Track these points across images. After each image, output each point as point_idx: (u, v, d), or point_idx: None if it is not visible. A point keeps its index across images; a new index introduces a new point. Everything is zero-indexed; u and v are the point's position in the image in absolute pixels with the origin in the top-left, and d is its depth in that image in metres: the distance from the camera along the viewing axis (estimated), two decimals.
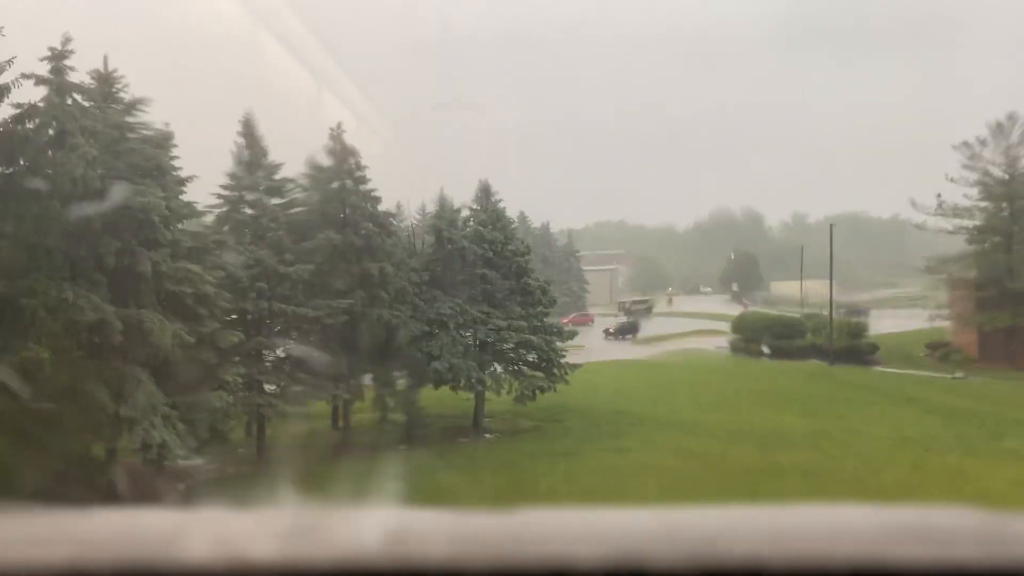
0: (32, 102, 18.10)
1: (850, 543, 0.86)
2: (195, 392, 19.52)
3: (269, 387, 23.32)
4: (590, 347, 38.95)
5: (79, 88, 19.24)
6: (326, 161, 25.90)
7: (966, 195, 38.84)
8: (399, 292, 25.03)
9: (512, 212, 32.03)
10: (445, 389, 25.69)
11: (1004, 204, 38.28)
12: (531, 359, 26.56)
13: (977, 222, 38.75)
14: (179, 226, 20.31)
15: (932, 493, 17.74)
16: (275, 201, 24.52)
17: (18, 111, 17.88)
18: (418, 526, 0.92)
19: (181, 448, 18.58)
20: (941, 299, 41.99)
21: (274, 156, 24.55)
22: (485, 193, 28.00)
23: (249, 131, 24.21)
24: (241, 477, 21.54)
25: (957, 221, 38.95)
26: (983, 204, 38.81)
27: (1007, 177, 38.15)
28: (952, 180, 38.38)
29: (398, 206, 31.25)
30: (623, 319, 54.70)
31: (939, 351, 39.37)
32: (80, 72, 19.32)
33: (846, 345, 39.02)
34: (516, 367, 26.50)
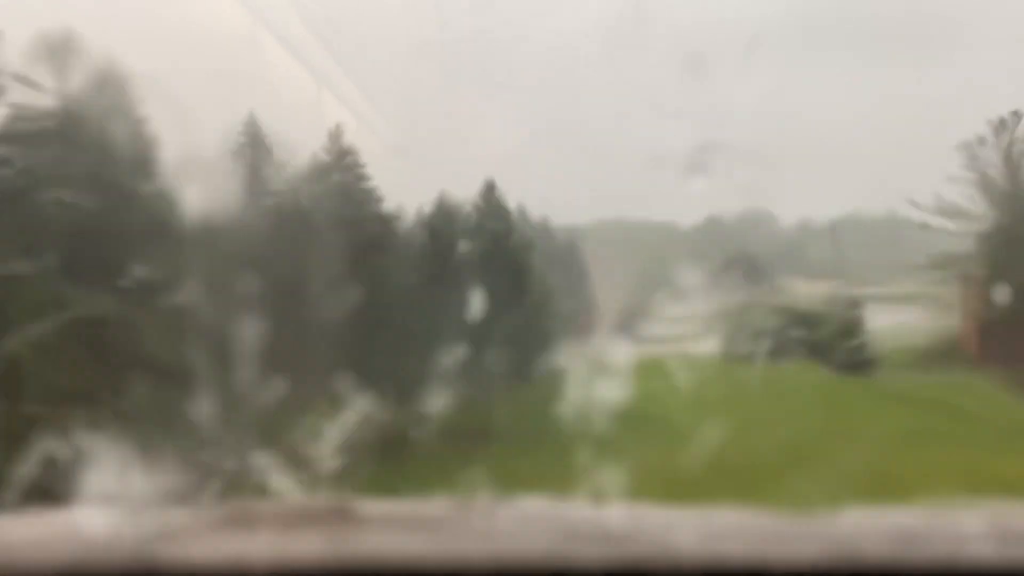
0: (32, 102, 18.12)
1: (854, 544, 0.86)
2: (191, 391, 19.52)
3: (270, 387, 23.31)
4: (591, 347, 38.87)
5: (79, 87, 19.25)
6: (327, 160, 25.96)
7: (966, 194, 38.85)
8: (399, 292, 25.06)
9: (512, 210, 32.02)
10: (443, 389, 25.69)
11: (1004, 204, 38.26)
12: (530, 358, 26.59)
13: (976, 222, 38.73)
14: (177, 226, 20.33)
15: (942, 492, 17.71)
16: (280, 200, 24.58)
17: (17, 110, 17.90)
18: (418, 525, 0.92)
19: (181, 447, 18.57)
20: (940, 297, 41.99)
21: (274, 156, 24.60)
22: (490, 190, 28.04)
23: (250, 130, 24.24)
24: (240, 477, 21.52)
25: (958, 220, 38.93)
26: (983, 203, 38.79)
27: (1006, 178, 38.13)
28: (953, 180, 38.37)
29: (398, 206, 31.25)
30: (623, 322, 54.66)
31: (940, 351, 39.36)
32: (80, 70, 19.33)
33: (843, 344, 39.01)
34: (515, 367, 26.51)
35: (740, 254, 79.75)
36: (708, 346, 44.03)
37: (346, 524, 0.94)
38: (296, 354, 24.04)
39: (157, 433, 17.92)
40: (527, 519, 0.93)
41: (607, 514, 0.92)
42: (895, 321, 45.01)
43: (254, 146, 24.14)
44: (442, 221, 27.34)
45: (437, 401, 26.07)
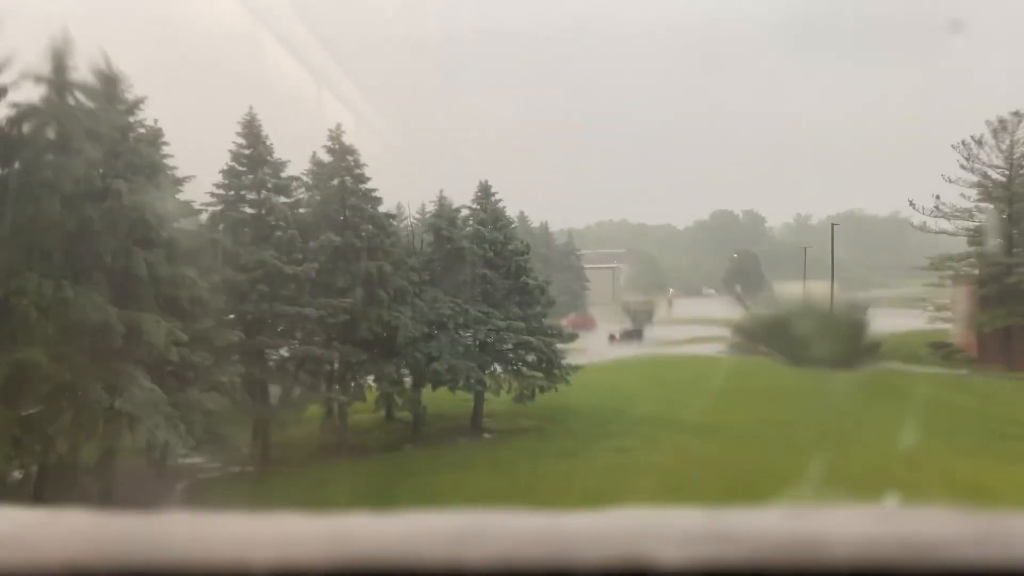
0: (32, 102, 18.11)
1: (850, 544, 0.86)
2: (192, 392, 19.52)
3: (271, 388, 23.36)
4: (593, 351, 38.90)
5: (80, 87, 19.23)
6: (327, 160, 25.97)
7: (964, 195, 38.84)
8: (399, 292, 25.04)
9: (512, 211, 32.08)
10: (443, 389, 25.71)
11: (1003, 206, 38.27)
12: (530, 360, 26.59)
13: (976, 223, 38.77)
14: (175, 225, 20.28)
15: (935, 494, 17.73)
16: (282, 200, 24.59)
17: (17, 111, 17.89)
18: (418, 526, 0.92)
19: (183, 447, 18.62)
20: (941, 298, 42.02)
21: (275, 155, 24.63)
22: (485, 192, 28.06)
23: (250, 130, 24.24)
24: (243, 477, 21.57)
25: (957, 222, 38.97)
26: (982, 204, 38.82)
27: (1005, 178, 38.14)
28: (951, 181, 38.39)
29: (399, 206, 31.29)
30: (627, 325, 54.83)
31: (941, 351, 39.42)
32: (80, 71, 19.33)
33: (846, 345, 39.03)
34: (515, 367, 26.53)
35: (744, 254, 79.66)
36: (711, 348, 44.13)
37: (347, 525, 0.93)
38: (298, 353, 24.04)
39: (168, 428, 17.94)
40: (526, 519, 0.93)
41: (606, 514, 0.92)
42: (896, 321, 45.06)
43: (254, 145, 24.14)
44: (442, 222, 27.36)
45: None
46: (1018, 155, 37.87)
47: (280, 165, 24.54)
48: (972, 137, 38.00)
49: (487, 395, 26.09)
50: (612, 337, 50.43)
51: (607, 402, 28.70)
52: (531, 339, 26.14)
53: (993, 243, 38.55)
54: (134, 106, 20.25)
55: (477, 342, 26.28)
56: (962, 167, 38.38)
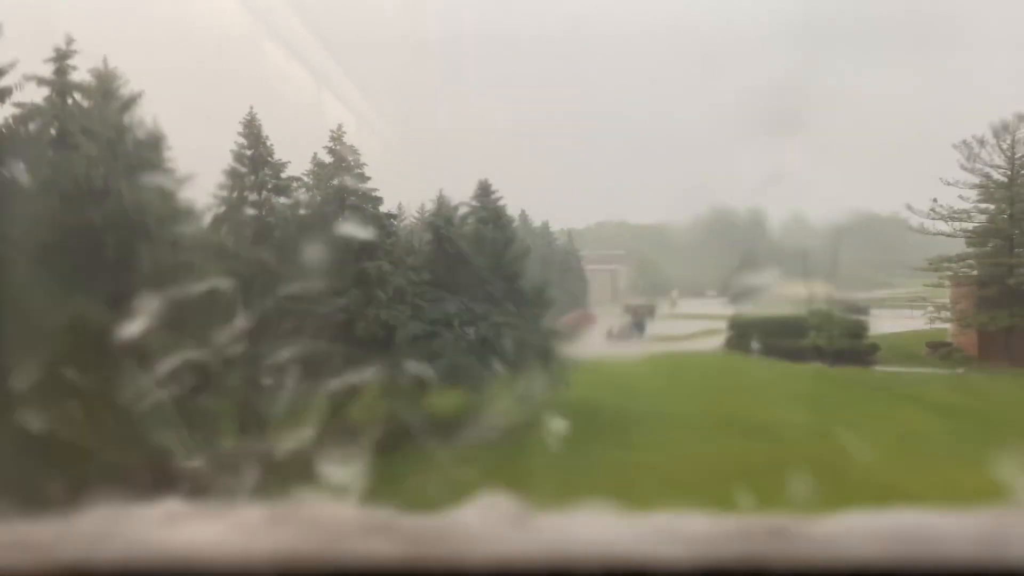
0: (34, 102, 18.15)
1: (850, 544, 0.86)
2: (193, 391, 19.53)
3: (272, 387, 23.34)
4: (591, 350, 38.91)
5: (80, 87, 19.27)
6: (327, 161, 25.98)
7: (963, 196, 38.75)
8: (397, 291, 25.05)
9: (513, 211, 32.07)
10: (445, 386, 25.75)
11: (1004, 206, 38.20)
12: (529, 357, 26.59)
13: (976, 224, 38.70)
14: (175, 225, 20.29)
15: (933, 492, 17.74)
16: (283, 200, 24.62)
17: (20, 111, 17.91)
18: (421, 527, 0.92)
19: (183, 448, 18.60)
20: (942, 298, 41.98)
21: (276, 156, 24.64)
22: (484, 191, 28.04)
23: (251, 131, 24.25)
24: (244, 478, 21.55)
25: (956, 223, 38.91)
26: (983, 205, 38.74)
27: (1006, 179, 38.08)
28: (949, 183, 38.32)
29: (399, 206, 31.29)
30: (628, 322, 54.77)
31: (940, 350, 39.39)
32: (80, 71, 19.37)
33: (847, 345, 39.05)
34: (515, 365, 26.53)
35: (746, 257, 79.81)
36: (713, 344, 44.15)
37: (348, 526, 0.94)
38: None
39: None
40: (527, 519, 0.93)
41: (606, 515, 0.92)
42: (896, 322, 45.06)
43: (255, 146, 24.15)
44: (440, 221, 27.36)
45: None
46: (1020, 155, 37.82)
47: (281, 166, 24.57)
48: (973, 137, 37.97)
49: (488, 392, 26.11)
50: (610, 333, 50.20)
51: (608, 398, 28.77)
52: (530, 339, 26.16)
53: (994, 243, 38.53)
54: (132, 105, 20.26)
55: (478, 339, 26.31)
56: (963, 167, 38.33)
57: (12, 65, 17.69)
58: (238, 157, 24.08)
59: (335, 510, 0.94)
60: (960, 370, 35.51)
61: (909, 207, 40.36)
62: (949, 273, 39.93)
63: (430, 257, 27.04)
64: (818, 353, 39.11)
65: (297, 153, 26.51)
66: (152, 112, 20.79)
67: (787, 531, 0.90)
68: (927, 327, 40.77)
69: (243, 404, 21.99)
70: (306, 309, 23.05)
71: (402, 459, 23.29)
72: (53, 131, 18.33)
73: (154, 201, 18.63)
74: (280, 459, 22.98)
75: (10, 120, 17.81)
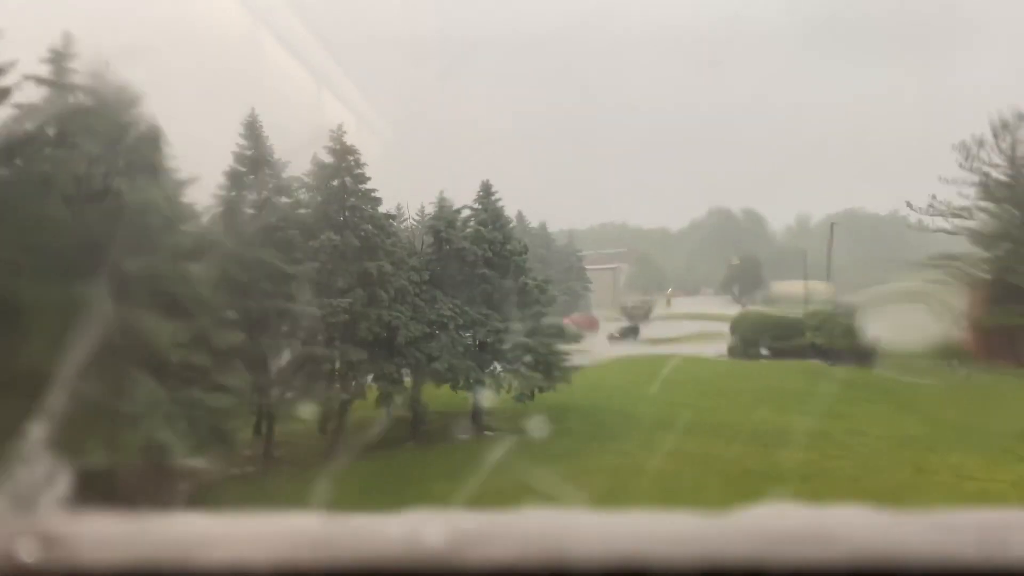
0: (33, 102, 18.16)
1: (850, 544, 0.86)
2: (194, 391, 19.54)
3: (273, 387, 23.39)
4: (596, 351, 38.90)
5: (80, 87, 19.28)
6: (327, 161, 25.98)
7: (962, 194, 38.67)
8: (399, 292, 25.08)
9: (511, 212, 32.07)
10: (445, 388, 25.79)
11: (1008, 207, 38.06)
12: (528, 360, 26.59)
13: (977, 223, 38.63)
14: (176, 225, 20.32)
15: (933, 494, 17.75)
16: (283, 200, 24.67)
17: (19, 111, 17.92)
18: (419, 527, 0.92)
19: (183, 448, 18.61)
20: (942, 297, 41.89)
21: (276, 156, 24.68)
22: (487, 192, 28.05)
23: (252, 131, 24.28)
24: (244, 478, 21.59)
25: (956, 220, 38.86)
26: (983, 204, 38.67)
27: (1008, 178, 38.00)
28: (947, 182, 38.28)
29: (399, 207, 31.29)
30: (625, 323, 55.31)
31: (941, 350, 39.32)
32: (80, 71, 19.36)
33: (846, 345, 39.03)
34: (515, 367, 26.54)
35: (745, 258, 79.87)
36: (712, 348, 44.13)
37: (347, 525, 0.94)
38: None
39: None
40: (527, 519, 0.93)
41: (606, 515, 0.92)
42: (896, 321, 44.98)
43: (255, 147, 24.18)
44: (441, 223, 27.36)
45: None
46: (1021, 155, 37.77)
47: (281, 166, 24.62)
48: (972, 136, 37.93)
49: (488, 394, 26.12)
50: (612, 336, 51.01)
51: (608, 402, 28.80)
52: (529, 340, 26.17)
53: (995, 242, 38.43)
54: (132, 105, 20.26)
55: (477, 342, 26.33)
56: (960, 166, 38.28)
57: (11, 64, 17.72)
58: (239, 158, 24.12)
59: (331, 513, 0.94)
60: (963, 370, 35.49)
61: (909, 204, 40.36)
62: (950, 271, 39.84)
63: (431, 259, 27.06)
64: (817, 352, 39.19)
65: (297, 153, 26.51)
66: (152, 112, 20.83)
67: (786, 531, 0.90)
68: (928, 326, 40.68)
69: (243, 404, 22.01)
70: (306, 310, 23.08)
71: (402, 459, 23.35)
72: (51, 132, 18.34)
73: (154, 201, 18.63)
74: (280, 459, 23.05)
75: (10, 120, 17.83)
